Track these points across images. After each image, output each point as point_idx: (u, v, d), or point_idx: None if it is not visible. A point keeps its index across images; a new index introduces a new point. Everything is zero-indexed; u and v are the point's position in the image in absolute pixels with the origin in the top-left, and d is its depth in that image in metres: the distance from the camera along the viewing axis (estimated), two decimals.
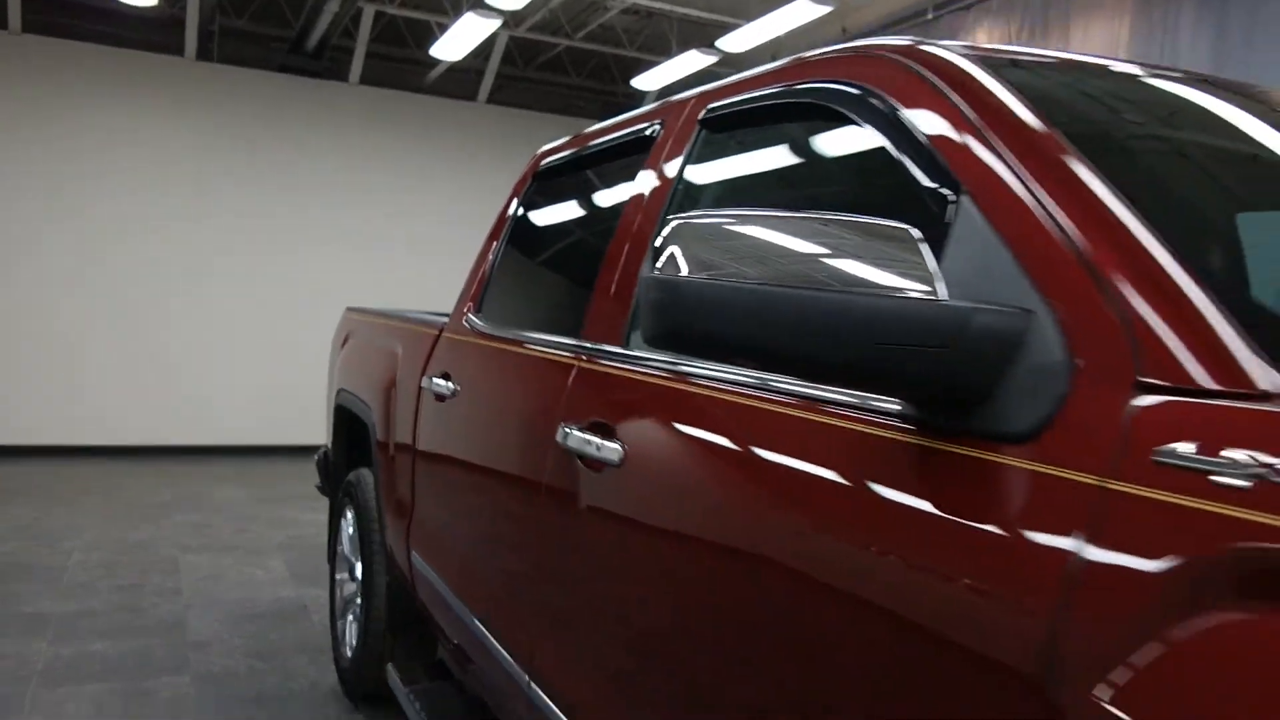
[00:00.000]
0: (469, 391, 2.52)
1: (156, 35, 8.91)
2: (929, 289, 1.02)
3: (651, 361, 1.70)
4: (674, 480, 1.53)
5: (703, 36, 8.68)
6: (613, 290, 1.93)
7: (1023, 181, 1.13)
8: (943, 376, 1.03)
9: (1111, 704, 0.80)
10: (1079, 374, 0.96)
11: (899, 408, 1.14)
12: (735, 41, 8.19)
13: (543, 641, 1.95)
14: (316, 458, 4.28)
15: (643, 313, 1.13)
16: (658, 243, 1.13)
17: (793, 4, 7.35)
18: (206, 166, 9.02)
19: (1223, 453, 0.80)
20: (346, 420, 3.79)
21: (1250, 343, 0.90)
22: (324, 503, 4.26)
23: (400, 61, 9.95)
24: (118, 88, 8.73)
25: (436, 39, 8.56)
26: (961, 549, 1.00)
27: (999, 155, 1.18)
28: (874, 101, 1.42)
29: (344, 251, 9.38)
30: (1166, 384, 0.90)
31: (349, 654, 3.52)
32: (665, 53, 9.19)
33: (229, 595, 4.72)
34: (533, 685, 1.93)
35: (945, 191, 1.22)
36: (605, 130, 2.43)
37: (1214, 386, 0.88)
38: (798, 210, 1.12)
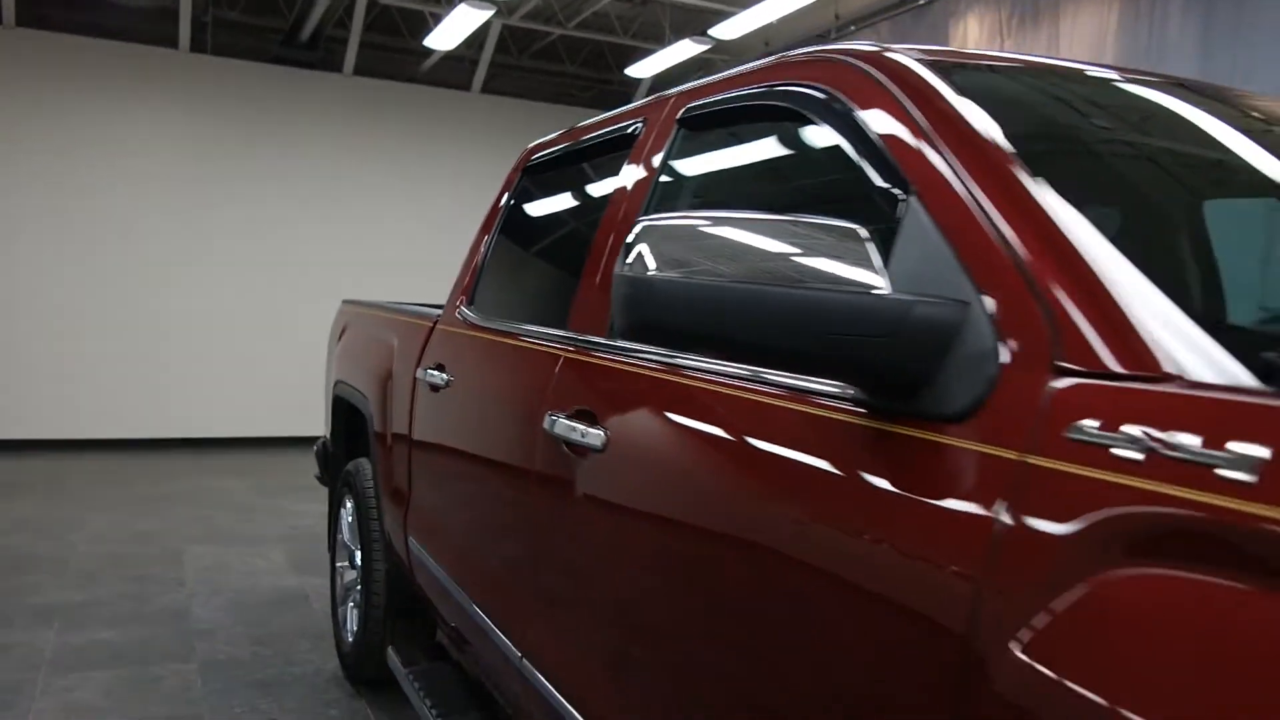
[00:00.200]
0: (462, 382, 2.60)
1: (150, 27, 8.96)
2: (874, 283, 1.10)
3: (632, 352, 1.78)
4: (652, 463, 1.62)
5: (697, 23, 8.72)
6: (597, 283, 2.01)
7: (964, 183, 1.21)
8: (887, 363, 1.11)
9: (1023, 654, 0.89)
10: (1006, 360, 1.05)
11: (853, 393, 1.22)
12: (728, 29, 8.24)
13: (534, 620, 2.04)
14: (315, 448, 4.36)
15: (614, 308, 1.21)
16: (628, 241, 1.21)
17: None
18: (202, 158, 9.08)
19: (1121, 429, 0.89)
20: (344, 411, 3.87)
21: (1158, 330, 0.99)
22: (323, 494, 4.34)
23: (394, 51, 10.00)
24: (112, 80, 8.78)
25: (430, 28, 8.61)
26: (904, 520, 1.09)
27: (944, 157, 1.26)
28: (834, 104, 1.50)
29: (341, 242, 9.45)
30: (1081, 368, 0.99)
31: (350, 639, 3.61)
32: (660, 40, 9.24)
33: (232, 584, 4.82)
34: (524, 661, 2.02)
35: (896, 191, 1.30)
36: (591, 127, 2.51)
37: (1122, 370, 0.97)
38: (761, 209, 1.20)
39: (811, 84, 1.58)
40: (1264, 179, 1.42)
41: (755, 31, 8.66)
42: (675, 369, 1.63)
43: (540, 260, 2.90)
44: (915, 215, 1.24)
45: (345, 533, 3.77)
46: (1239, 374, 0.94)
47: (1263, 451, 0.78)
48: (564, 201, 2.80)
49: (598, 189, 2.38)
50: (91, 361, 8.66)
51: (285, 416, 8.68)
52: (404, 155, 9.81)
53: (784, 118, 1.67)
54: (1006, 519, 0.96)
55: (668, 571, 1.55)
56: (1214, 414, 0.85)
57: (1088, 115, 1.52)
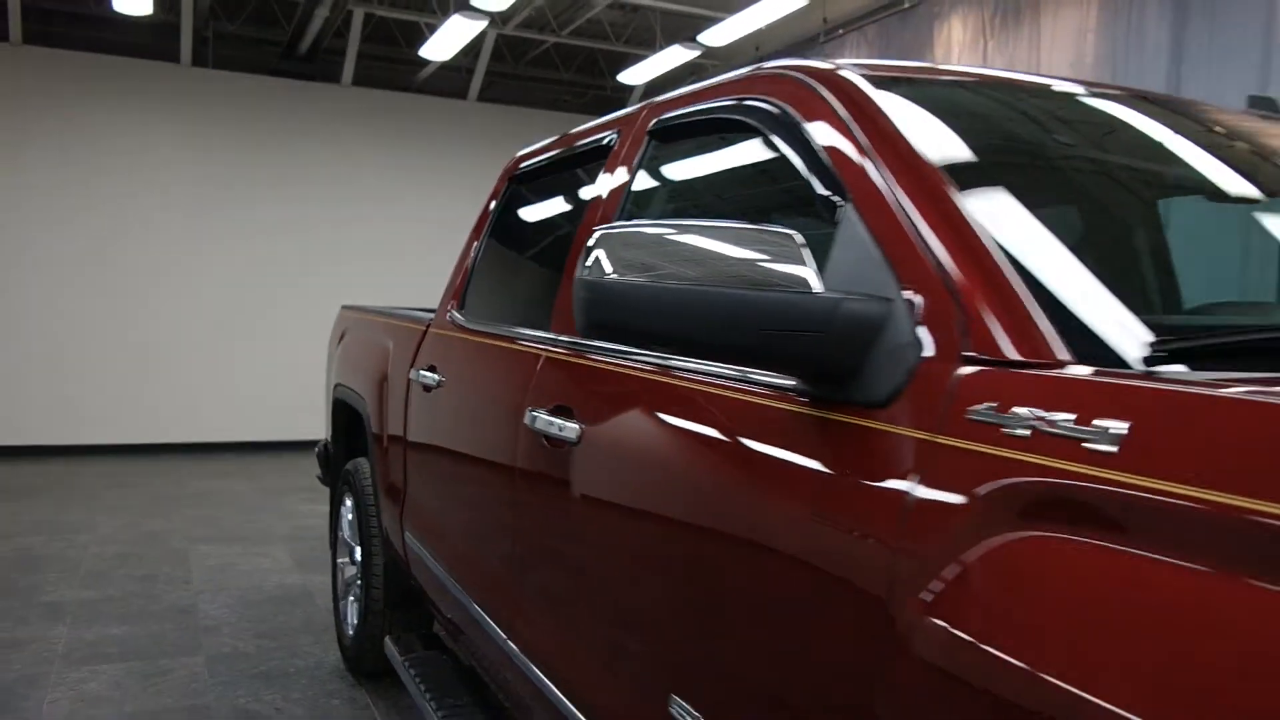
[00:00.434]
0: (452, 382, 2.73)
1: (152, 42, 9.11)
2: (807, 283, 1.23)
3: (605, 350, 1.91)
4: (619, 453, 1.75)
5: (689, 29, 8.84)
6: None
7: (892, 191, 1.34)
8: (820, 356, 1.24)
9: (927, 611, 1.01)
10: (923, 352, 1.18)
11: (794, 384, 1.35)
12: (717, 35, 8.36)
13: (519, 605, 2.17)
14: (317, 450, 4.50)
15: (575, 308, 1.34)
16: (587, 247, 1.34)
17: None
18: (204, 169, 9.24)
19: (1012, 410, 1.02)
20: (344, 413, 4.01)
21: (1054, 324, 1.11)
22: (325, 496, 4.48)
23: (392, 62, 10.13)
24: (116, 95, 8.95)
25: (426, 39, 8.75)
26: (837, 498, 1.22)
27: (876, 168, 1.39)
28: (784, 117, 1.63)
29: (340, 250, 9.59)
30: (985, 358, 1.11)
31: (350, 632, 3.74)
32: (652, 46, 9.37)
33: (237, 582, 4.95)
34: (510, 643, 2.15)
35: (836, 199, 1.43)
36: (572, 137, 2.64)
37: (1020, 358, 1.09)
38: (722, 216, 1.33)
39: (765, 98, 1.71)
40: (1173, 181, 1.54)
41: (746, 37, 8.78)
42: (641, 366, 1.76)
43: (525, 264, 3.04)
44: (850, 221, 1.37)
45: (345, 530, 3.90)
46: (1121, 361, 1.07)
47: (1123, 426, 0.91)
48: (547, 208, 2.93)
49: (577, 196, 2.51)
50: (98, 370, 8.81)
51: (289, 421, 8.82)
52: (402, 163, 9.96)
53: (742, 129, 1.80)
54: (917, 493, 1.09)
55: (634, 553, 1.68)
56: (1085, 395, 0.98)
57: (1012, 124, 1.65)
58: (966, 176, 1.35)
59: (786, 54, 9.71)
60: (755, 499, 1.37)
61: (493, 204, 3.11)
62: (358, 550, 3.69)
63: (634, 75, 9.73)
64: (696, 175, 2.11)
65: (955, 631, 0.97)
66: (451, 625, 2.79)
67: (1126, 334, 1.12)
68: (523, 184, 3.01)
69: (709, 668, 1.45)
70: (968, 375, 1.11)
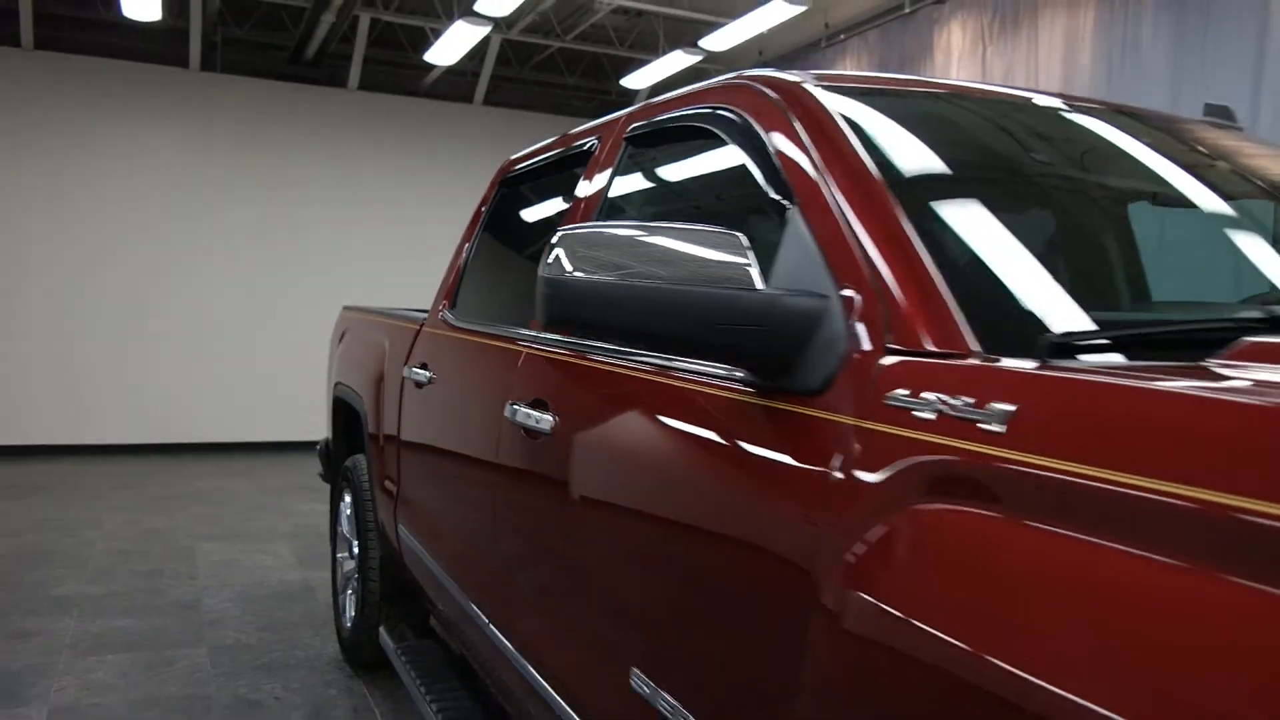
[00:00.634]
0: (442, 379, 2.83)
1: (161, 47, 9.24)
2: (750, 281, 1.32)
3: (578, 346, 2.00)
4: (588, 443, 1.84)
5: (692, 34, 8.93)
6: None
7: (833, 195, 1.43)
8: (760, 348, 1.33)
9: (845, 581, 1.10)
10: (852, 344, 1.27)
11: (741, 375, 1.44)
12: (718, 40, 8.45)
13: (499, 591, 2.26)
14: (318, 447, 4.61)
15: (537, 304, 1.43)
16: (549, 245, 1.43)
17: (770, 3, 7.60)
18: (212, 172, 9.37)
19: (921, 395, 1.11)
20: (343, 411, 4.11)
21: (969, 319, 1.20)
22: (327, 495, 4.58)
23: (398, 66, 10.26)
24: (125, 99, 9.09)
25: (431, 44, 8.86)
26: (776, 480, 1.30)
27: (820, 173, 1.48)
28: (743, 125, 1.72)
29: (346, 252, 9.71)
30: (905, 349, 1.20)
31: (349, 625, 3.84)
32: (655, 51, 9.47)
33: (240, 578, 5.06)
34: (491, 626, 2.24)
35: (785, 202, 1.52)
36: (556, 143, 2.74)
37: (935, 349, 1.18)
38: (688, 218, 1.41)
39: (728, 107, 1.80)
40: (1103, 186, 1.63)
41: (749, 42, 8.87)
42: (608, 361, 1.85)
43: (512, 265, 3.13)
44: (796, 223, 1.46)
45: (344, 525, 4.00)
46: (1025, 351, 1.15)
47: (1010, 408, 1.00)
48: (533, 210, 3.03)
49: (561, 199, 2.60)
50: (104, 370, 8.96)
51: (292, 421, 8.93)
52: (407, 167, 10.08)
53: (709, 137, 1.89)
54: (840, 473, 1.18)
55: (599, 537, 1.77)
56: (982, 381, 1.07)
57: (953, 132, 1.74)
58: (905, 182, 1.43)
59: (789, 59, 9.81)
60: (705, 484, 1.46)
61: (484, 206, 3.21)
62: (355, 545, 3.79)
63: (637, 80, 9.83)
64: (668, 180, 2.20)
65: (866, 597, 1.06)
66: (440, 614, 2.88)
67: (1031, 327, 1.21)
68: (512, 187, 3.11)
69: (664, 642, 1.54)
70: (888, 365, 1.19)
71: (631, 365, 1.77)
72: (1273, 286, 1.67)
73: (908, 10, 8.35)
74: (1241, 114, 5.77)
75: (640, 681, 1.54)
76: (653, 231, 1.39)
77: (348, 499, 3.94)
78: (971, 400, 1.04)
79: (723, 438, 1.44)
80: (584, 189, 2.32)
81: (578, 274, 1.37)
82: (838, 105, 1.63)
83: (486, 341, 2.56)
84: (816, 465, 1.22)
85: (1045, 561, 0.91)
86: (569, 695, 1.85)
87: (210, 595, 4.74)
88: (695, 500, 1.48)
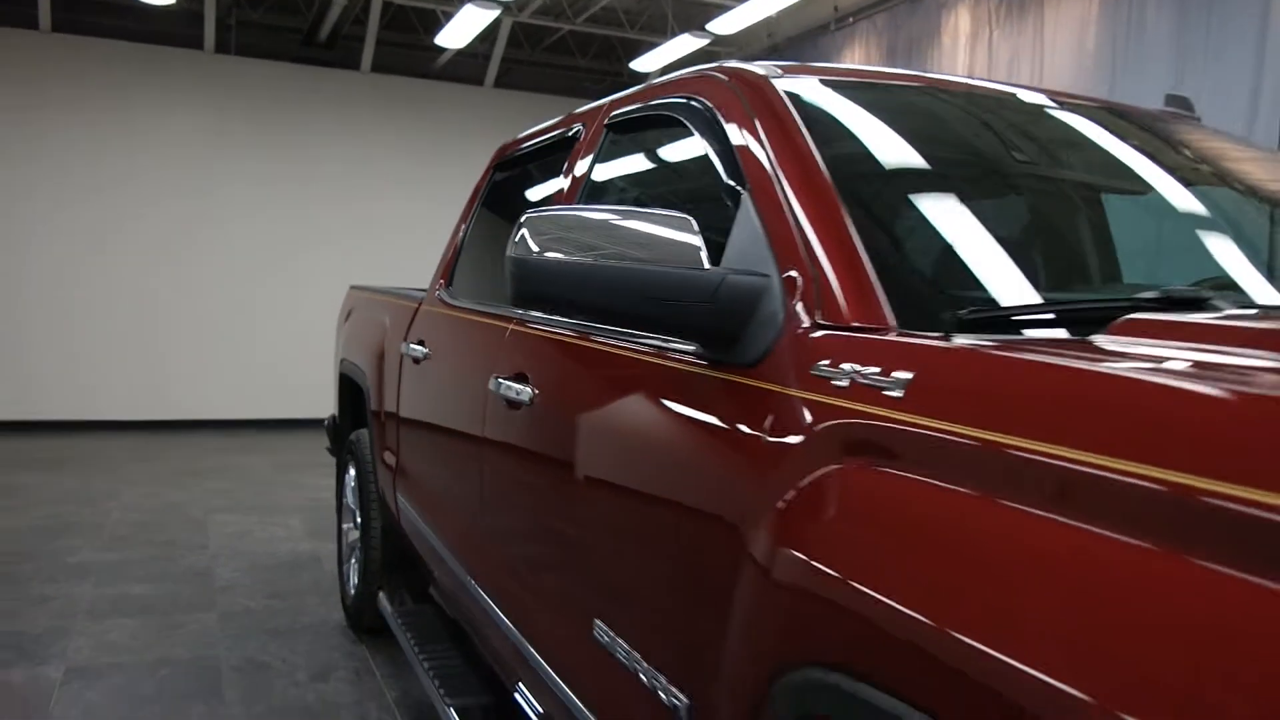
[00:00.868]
0: (437, 354, 2.95)
1: (177, 29, 9.38)
2: (698, 261, 1.43)
3: (559, 323, 2.12)
4: (560, 412, 1.97)
5: (703, 17, 8.98)
6: None
7: (779, 181, 1.54)
8: (708, 324, 1.44)
9: (770, 533, 1.21)
10: (787, 320, 1.38)
11: (694, 348, 1.55)
12: (726, 24, 8.50)
13: (483, 553, 2.39)
14: (326, 422, 4.75)
15: (506, 282, 1.55)
16: (516, 226, 1.54)
17: None
18: (227, 153, 9.52)
19: (840, 365, 1.22)
20: (348, 387, 4.25)
21: (890, 297, 1.31)
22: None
23: (410, 48, 10.35)
24: (141, 80, 9.25)
25: (444, 26, 8.96)
26: (719, 444, 1.42)
27: (769, 160, 1.58)
28: (707, 114, 1.83)
29: (359, 233, 9.85)
30: (832, 324, 1.31)
31: (352, 592, 4.00)
32: (666, 34, 9.53)
33: (251, 549, 5.23)
34: (476, 587, 2.38)
35: (739, 188, 1.63)
36: (546, 130, 2.85)
37: (858, 325, 1.29)
38: (652, 203, 1.53)
39: (696, 97, 1.91)
40: (1030, 176, 1.73)
41: (758, 25, 8.93)
42: (579, 336, 1.97)
43: (503, 245, 3.24)
44: (747, 207, 1.57)
45: (349, 497, 4.15)
46: (936, 326, 1.26)
47: (908, 375, 1.11)
48: (523, 192, 3.14)
49: (548, 182, 2.71)
50: (122, 348, 9.16)
51: (307, 399, 9.08)
52: (419, 148, 10.19)
53: (680, 125, 1.99)
54: (769, 436, 1.29)
55: (568, 500, 1.89)
56: (889, 352, 1.18)
57: (903, 122, 1.83)
58: (848, 174, 1.54)
59: (798, 42, 9.85)
60: (658, 450, 1.58)
61: (479, 189, 3.33)
62: (359, 516, 3.93)
63: (647, 63, 9.90)
64: (644, 165, 2.31)
65: (787, 549, 1.17)
66: (436, 578, 3.02)
67: (946, 306, 1.32)
68: (505, 171, 3.23)
69: (622, 594, 1.66)
70: (815, 338, 1.31)
71: (600, 340, 1.89)
72: (1211, 270, 1.77)
73: None
74: (1244, 97, 5.82)
75: (601, 631, 1.67)
76: (611, 214, 1.50)
77: (352, 472, 4.08)
78: (878, 370, 1.15)
79: (675, 407, 1.56)
80: (569, 172, 2.43)
81: (541, 254, 1.49)
82: (796, 98, 1.73)
83: (477, 319, 2.68)
84: (753, 430, 1.34)
85: (933, 512, 1.02)
86: (542, 647, 1.98)
87: (222, 564, 4.91)
88: (650, 465, 1.59)
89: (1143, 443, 0.82)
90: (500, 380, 2.25)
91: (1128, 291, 1.55)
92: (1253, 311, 1.36)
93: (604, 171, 2.33)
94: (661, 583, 1.53)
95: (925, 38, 8.30)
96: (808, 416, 1.24)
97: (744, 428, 1.36)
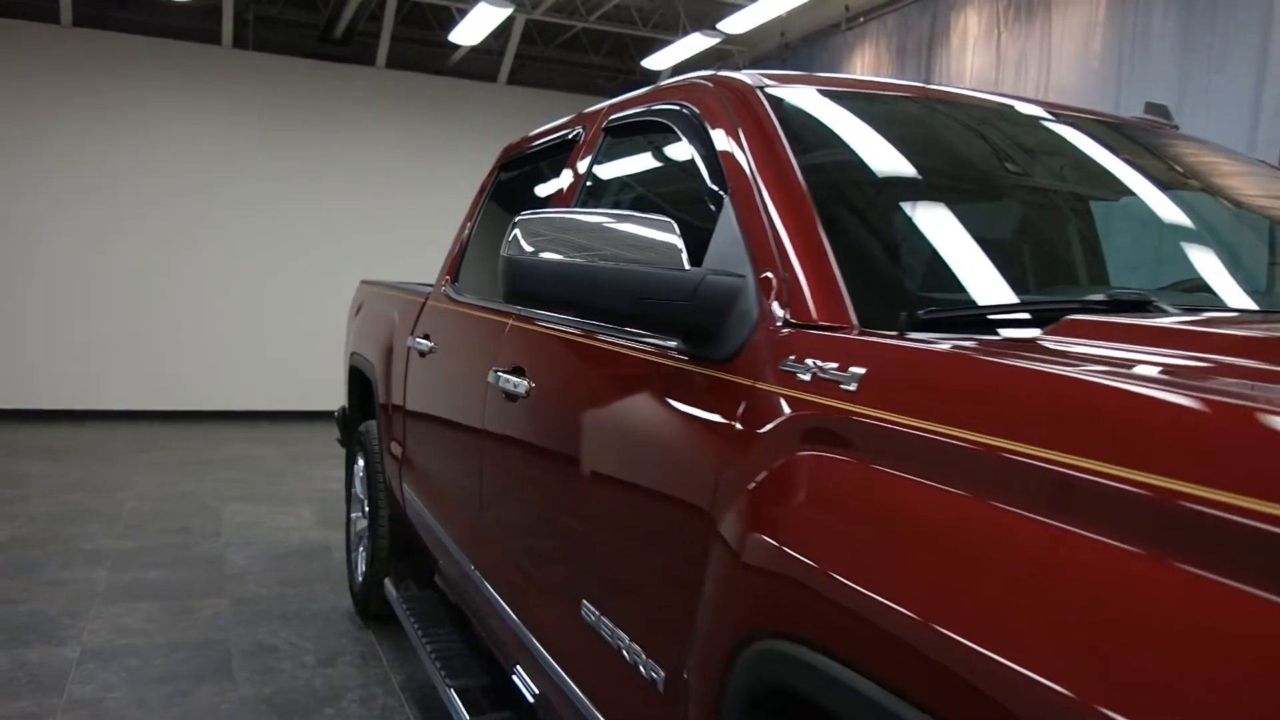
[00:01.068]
0: (442, 348, 3.05)
1: (195, 24, 9.52)
2: (679, 262, 1.52)
3: (554, 319, 2.20)
4: (554, 404, 2.06)
5: (715, 15, 9.04)
6: None
7: (758, 186, 1.62)
8: (687, 321, 1.53)
9: (738, 516, 1.30)
10: (760, 318, 1.46)
11: (675, 344, 1.64)
12: (737, 23, 8.57)
13: (481, 536, 2.49)
14: (336, 414, 4.86)
15: (500, 280, 1.64)
16: (510, 227, 1.63)
17: None
18: (244, 147, 9.66)
19: (804, 361, 1.30)
20: (358, 379, 4.35)
21: (853, 298, 1.40)
22: None
23: (424, 44, 10.46)
24: (160, 75, 9.38)
25: (458, 23, 9.06)
26: (698, 434, 1.51)
27: (749, 166, 1.67)
28: (695, 120, 1.91)
29: (374, 228, 9.97)
30: (800, 322, 1.40)
31: (360, 579, 4.10)
32: (678, 32, 9.60)
33: (263, 537, 5.34)
34: (473, 569, 2.47)
35: (722, 193, 1.71)
36: (548, 131, 2.94)
37: (823, 324, 1.38)
38: (644, 205, 1.62)
39: (684, 103, 2.00)
40: (996, 184, 1.81)
41: (771, 23, 8.99)
42: (571, 331, 2.05)
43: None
44: (728, 211, 1.66)
45: (358, 487, 4.25)
46: (893, 325, 1.35)
47: (862, 370, 1.19)
48: (525, 192, 3.23)
49: (549, 182, 2.80)
50: (138, 340, 9.30)
51: (319, 391, 9.21)
52: (433, 144, 10.30)
53: (668, 130, 2.08)
54: (739, 426, 1.38)
55: (562, 488, 1.99)
56: (847, 349, 1.26)
57: (879, 132, 1.91)
58: (823, 181, 1.62)
59: (810, 40, 9.92)
60: (643, 440, 1.66)
61: (485, 187, 3.42)
62: (367, 505, 4.03)
63: (658, 61, 9.98)
64: (638, 168, 2.39)
65: (750, 529, 1.26)
66: (440, 565, 3.12)
67: (903, 306, 1.41)
68: (510, 171, 3.32)
69: (608, 576, 1.75)
70: (784, 335, 1.39)
71: (590, 336, 1.98)
72: (1186, 273, 1.84)
73: None
74: (1246, 99, 5.87)
75: (589, 611, 1.76)
76: (597, 217, 1.59)
77: (361, 462, 4.18)
78: (837, 365, 1.24)
79: (658, 399, 1.65)
80: (567, 174, 2.52)
81: (532, 254, 1.57)
82: (779, 107, 1.81)
83: (479, 314, 2.78)
84: (727, 420, 1.43)
85: (882, 495, 1.11)
86: (537, 630, 2.08)
87: (234, 552, 5.02)
88: (634, 453, 1.68)
89: (1055, 431, 0.91)
90: (499, 373, 2.34)
91: (1078, 294, 1.63)
92: (1186, 314, 1.44)
93: (601, 173, 2.42)
94: (642, 564, 1.62)
95: (935, 38, 8.36)
96: (775, 408, 1.32)
97: (719, 418, 1.45)
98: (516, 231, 1.60)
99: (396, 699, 3.40)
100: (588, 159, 2.44)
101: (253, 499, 6.24)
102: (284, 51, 9.89)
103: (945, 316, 1.40)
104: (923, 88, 2.12)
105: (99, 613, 4.02)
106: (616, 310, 1.55)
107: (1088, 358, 1.04)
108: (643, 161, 2.36)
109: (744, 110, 1.80)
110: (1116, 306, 1.31)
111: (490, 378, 2.38)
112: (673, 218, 1.57)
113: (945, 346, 1.15)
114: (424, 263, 8.71)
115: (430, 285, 4.10)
